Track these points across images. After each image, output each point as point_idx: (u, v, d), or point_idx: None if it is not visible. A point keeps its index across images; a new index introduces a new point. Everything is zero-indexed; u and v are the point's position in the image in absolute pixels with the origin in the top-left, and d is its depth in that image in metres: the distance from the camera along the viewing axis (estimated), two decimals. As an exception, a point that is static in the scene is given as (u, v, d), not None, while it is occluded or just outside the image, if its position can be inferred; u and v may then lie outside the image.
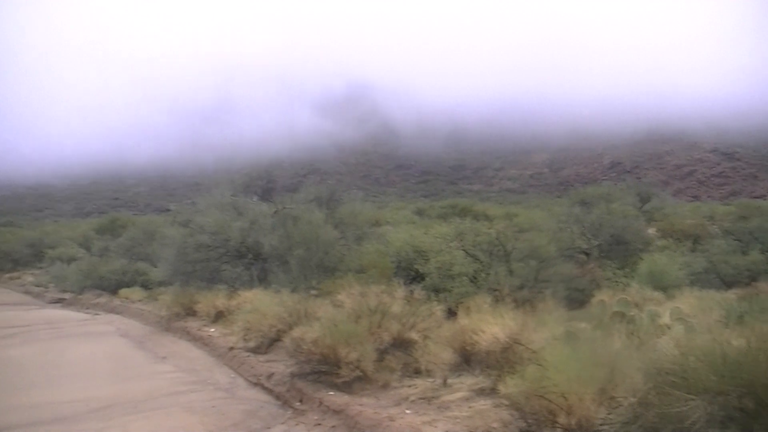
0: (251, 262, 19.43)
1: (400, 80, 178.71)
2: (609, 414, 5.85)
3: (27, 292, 37.46)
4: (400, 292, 11.68)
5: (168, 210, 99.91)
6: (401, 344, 9.80)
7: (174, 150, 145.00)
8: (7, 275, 44.30)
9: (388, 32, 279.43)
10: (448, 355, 8.73)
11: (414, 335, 9.85)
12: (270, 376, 11.20)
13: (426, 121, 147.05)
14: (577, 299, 14.85)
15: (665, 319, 8.26)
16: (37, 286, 38.05)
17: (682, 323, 7.50)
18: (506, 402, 6.71)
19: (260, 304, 13.79)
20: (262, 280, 18.76)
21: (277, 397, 10.39)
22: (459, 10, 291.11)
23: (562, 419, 5.83)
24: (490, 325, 8.23)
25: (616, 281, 16.74)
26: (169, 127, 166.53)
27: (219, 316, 17.25)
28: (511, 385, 6.48)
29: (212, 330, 16.54)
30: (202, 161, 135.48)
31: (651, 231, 29.15)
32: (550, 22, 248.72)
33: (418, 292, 12.27)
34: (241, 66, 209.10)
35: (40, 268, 42.76)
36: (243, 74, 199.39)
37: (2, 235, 58.21)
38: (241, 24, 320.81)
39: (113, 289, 28.96)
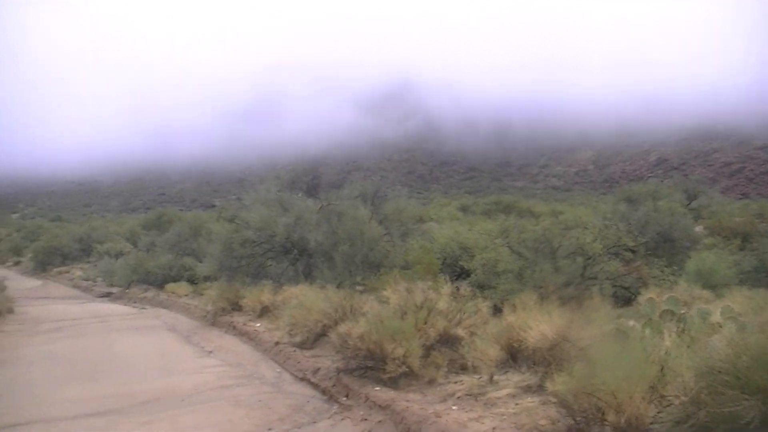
0: (296, 258, 19.52)
1: (443, 77, 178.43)
2: (659, 413, 5.80)
3: (75, 286, 38.01)
4: (446, 288, 11.65)
5: (213, 206, 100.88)
6: (447, 340, 9.79)
7: (217, 147, 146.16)
8: (57, 269, 44.97)
9: (430, 29, 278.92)
10: (494, 352, 8.69)
11: (460, 332, 9.84)
12: (316, 371, 11.24)
13: (469, 118, 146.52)
14: (623, 297, 14.73)
15: (716, 317, 8.14)
16: (86, 280, 38.58)
17: (734, 322, 7.39)
18: (554, 399, 6.66)
19: (306, 299, 13.84)
20: (308, 275, 18.83)
21: (323, 392, 10.42)
22: (502, 6, 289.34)
23: (611, 417, 5.79)
24: (538, 323, 8.18)
25: (663, 279, 16.55)
26: (212, 124, 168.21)
27: (265, 312, 17.35)
28: (558, 383, 6.43)
29: (258, 325, 16.65)
30: (244, 158, 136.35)
31: (698, 229, 28.79)
32: (596, 18, 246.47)
33: (465, 288, 12.23)
34: (283, 64, 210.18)
35: (88, 262, 43.34)
36: (286, 72, 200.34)
37: (51, 231, 59.15)
38: (283, 22, 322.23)
39: (160, 284, 29.24)
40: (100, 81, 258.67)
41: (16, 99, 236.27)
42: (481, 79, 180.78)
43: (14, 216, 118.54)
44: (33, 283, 41.21)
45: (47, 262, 47.08)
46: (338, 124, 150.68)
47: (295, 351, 12.93)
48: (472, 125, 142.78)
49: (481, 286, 14.01)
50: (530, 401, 7.52)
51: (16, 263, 55.83)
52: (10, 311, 23.96)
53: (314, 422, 8.96)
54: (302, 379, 11.46)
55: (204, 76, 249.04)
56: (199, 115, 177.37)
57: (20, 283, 39.41)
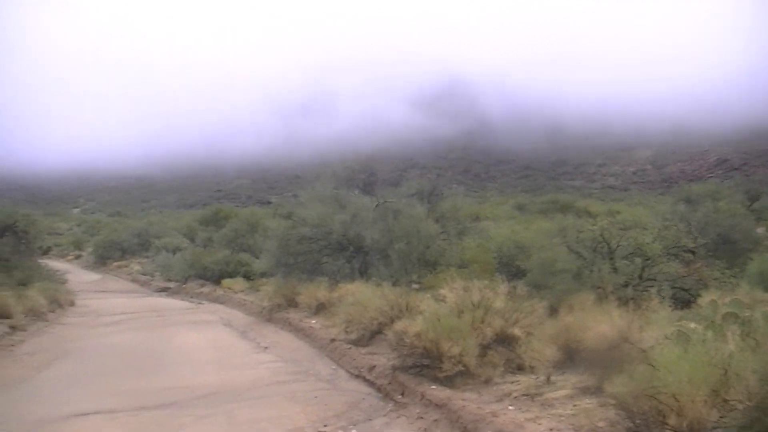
0: (352, 255, 19.55)
1: (495, 74, 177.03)
2: (722, 417, 5.70)
3: (134, 281, 38.63)
4: (503, 287, 11.58)
5: (269, 202, 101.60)
6: (504, 340, 9.74)
7: (272, 144, 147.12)
8: (116, 264, 45.76)
9: (482, 25, 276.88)
10: (551, 352, 8.63)
11: (517, 331, 9.77)
12: (371, 368, 11.26)
13: (521, 116, 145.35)
14: (682, 299, 14.50)
15: (781, 321, 7.98)
16: (144, 274, 39.19)
17: (799, 326, 7.25)
18: (612, 401, 6.59)
19: (362, 296, 13.87)
20: (363, 273, 18.86)
21: (379, 389, 10.44)
22: (555, 4, 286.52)
23: (672, 420, 5.70)
24: (597, 323, 8.09)
25: (724, 281, 16.25)
26: (267, 122, 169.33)
27: (320, 308, 17.43)
28: (618, 384, 6.35)
29: (313, 321, 16.73)
30: (299, 155, 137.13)
31: (761, 231, 28.24)
32: (648, 16, 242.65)
33: (522, 287, 12.14)
34: (337, 62, 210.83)
35: (146, 257, 44.02)
36: (339, 70, 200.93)
37: (111, 225, 60.09)
38: (338, 18, 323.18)
39: (216, 279, 29.57)
40: (160, 81, 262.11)
41: (77, 96, 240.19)
42: (532, 77, 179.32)
43: (75, 210, 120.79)
44: (93, 276, 42.00)
45: (107, 256, 47.95)
46: (391, 122, 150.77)
47: (350, 348, 12.97)
48: (524, 123, 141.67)
49: (538, 286, 13.89)
50: (588, 403, 7.44)
51: (77, 257, 56.86)
52: (72, 304, 24.45)
53: (370, 419, 8.97)
54: (357, 377, 11.49)
55: (259, 75, 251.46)
56: (254, 113, 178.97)
57: (81, 276, 40.18)
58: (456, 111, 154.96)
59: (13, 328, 17.46)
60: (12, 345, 15.90)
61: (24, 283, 23.01)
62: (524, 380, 8.55)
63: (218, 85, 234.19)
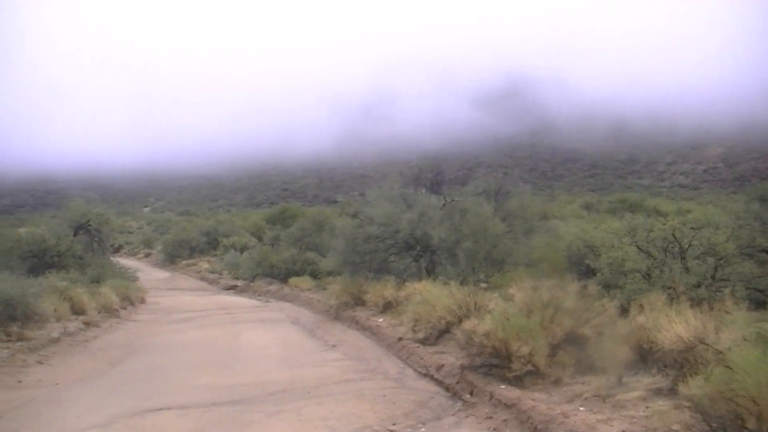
0: (419, 254, 19.53)
1: (559, 72, 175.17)
2: (804, 421, 5.55)
3: (202, 279, 39.14)
4: (573, 287, 11.44)
5: (335, 201, 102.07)
6: (574, 340, 9.61)
7: (336, 144, 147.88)
8: (184, 262, 46.41)
9: (545, 24, 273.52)
10: (623, 353, 8.49)
11: (587, 331, 9.64)
12: (439, 367, 11.23)
13: (587, 114, 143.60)
14: (757, 300, 14.17)
15: None
16: (212, 272, 39.69)
17: None
18: (687, 404, 6.47)
19: (429, 295, 13.84)
20: (430, 272, 18.84)
21: (447, 388, 10.40)
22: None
23: (751, 424, 5.56)
24: (673, 324, 7.95)
25: (802, 282, 15.85)
26: (331, 121, 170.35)
27: (387, 307, 17.44)
28: (693, 387, 6.24)
29: (380, 320, 16.74)
30: (362, 155, 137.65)
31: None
32: (714, 10, 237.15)
33: (592, 287, 11.99)
34: (400, 61, 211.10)
35: (215, 255, 44.59)
36: (402, 69, 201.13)
37: (180, 224, 60.97)
38: (400, 18, 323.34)
39: (283, 278, 29.80)
40: (227, 83, 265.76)
41: (146, 97, 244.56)
42: (597, 74, 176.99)
43: (145, 209, 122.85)
44: (162, 274, 42.66)
45: (176, 254, 48.63)
46: (454, 121, 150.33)
47: (418, 347, 12.94)
48: (589, 121, 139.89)
49: (607, 286, 13.71)
50: (661, 405, 7.31)
51: (147, 255, 57.80)
52: (143, 301, 24.89)
53: (438, 418, 8.94)
54: (425, 375, 11.46)
55: (321, 75, 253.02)
56: (319, 112, 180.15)
57: (151, 274, 40.84)
58: (518, 109, 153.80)
59: (87, 324, 17.83)
60: (86, 340, 16.25)
61: (97, 281, 23.49)
62: (595, 381, 8.42)
63: (283, 86, 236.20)
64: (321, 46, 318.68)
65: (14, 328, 14.48)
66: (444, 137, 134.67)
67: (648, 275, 13.51)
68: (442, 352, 12.04)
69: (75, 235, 29.09)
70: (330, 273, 25.07)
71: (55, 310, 17.08)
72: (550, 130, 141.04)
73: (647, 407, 7.34)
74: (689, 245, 14.28)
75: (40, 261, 24.42)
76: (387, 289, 17.86)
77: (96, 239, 31.23)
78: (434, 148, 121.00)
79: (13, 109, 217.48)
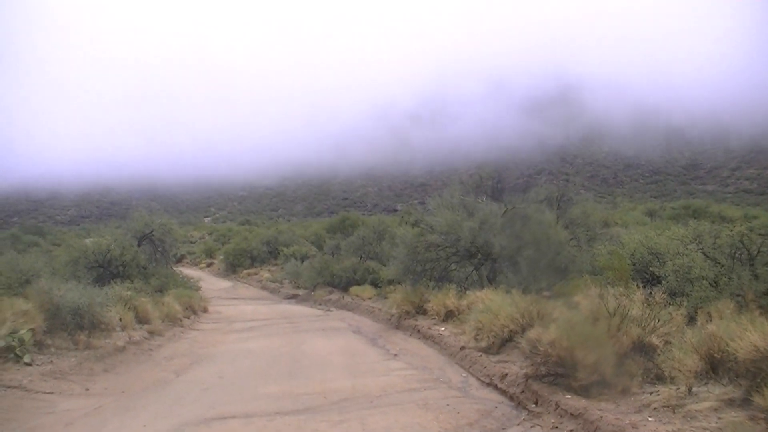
0: (481, 262, 19.43)
1: (610, 78, 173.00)
2: None
3: (263, 288, 39.42)
4: (639, 294, 11.27)
5: (395, 210, 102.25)
6: (641, 349, 9.43)
7: (386, 152, 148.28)
8: (246, 271, 46.76)
9: (596, 30, 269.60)
10: (692, 362, 8.31)
11: (654, 340, 9.47)
12: (503, 376, 11.12)
13: (643, 120, 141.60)
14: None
15: None
16: (273, 281, 39.95)
17: None
18: (763, 415, 6.30)
19: (492, 304, 13.73)
20: (492, 280, 18.72)
21: (511, 398, 10.29)
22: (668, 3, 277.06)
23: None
24: (747, 332, 7.75)
25: None
26: (380, 130, 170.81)
27: (449, 316, 17.36)
28: (769, 397, 6.07)
29: (442, 329, 16.66)
30: (413, 163, 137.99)
31: None
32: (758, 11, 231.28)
33: (659, 295, 11.78)
34: (450, 69, 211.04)
35: (276, 264, 44.89)
36: (453, 77, 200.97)
37: (241, 234, 61.54)
38: (448, 26, 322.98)
39: (344, 287, 29.85)
40: (285, 95, 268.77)
41: (205, 109, 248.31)
42: (650, 79, 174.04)
43: (207, 219, 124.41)
44: (224, 284, 43.04)
45: (237, 264, 49.03)
46: (507, 127, 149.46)
47: (481, 356, 12.85)
48: (645, 127, 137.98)
49: (673, 293, 13.48)
50: (734, 416, 7.12)
51: (209, 265, 58.37)
52: (205, 310, 25.12)
53: (503, 428, 8.86)
54: (489, 385, 11.37)
55: (373, 85, 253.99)
56: (370, 122, 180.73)
57: (213, 284, 41.23)
58: (570, 115, 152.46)
59: (152, 333, 18.05)
60: (151, 349, 16.43)
61: (160, 290, 23.81)
62: (664, 391, 8.24)
63: (337, 97, 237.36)
64: (372, 53, 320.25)
65: (82, 337, 14.70)
66: (495, 145, 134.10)
67: (716, 283, 13.26)
68: (506, 361, 11.94)
69: (139, 245, 29.52)
70: (391, 282, 25.07)
71: (121, 319, 17.31)
72: (603, 136, 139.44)
73: (719, 418, 7.17)
74: (758, 251, 14.00)
75: (105, 271, 24.80)
76: (448, 298, 17.78)
77: (159, 249, 31.66)
78: (486, 156, 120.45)
79: (74, 121, 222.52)
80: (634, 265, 15.72)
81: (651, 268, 15.24)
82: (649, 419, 7.57)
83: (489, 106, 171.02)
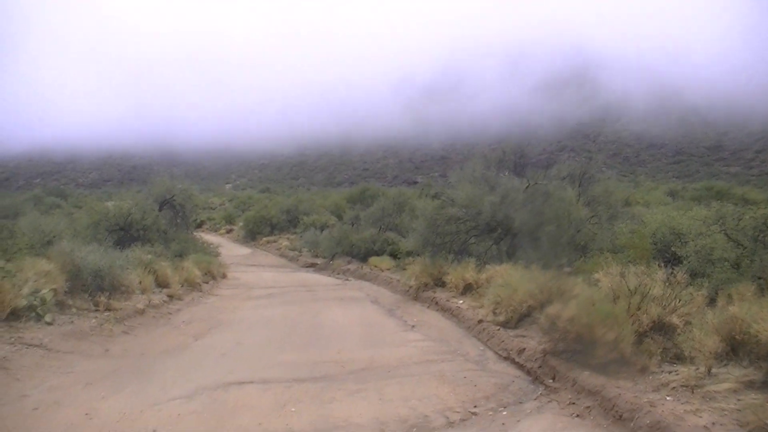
0: (500, 237, 19.38)
1: (630, 57, 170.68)
2: None
3: (282, 256, 39.55)
4: (660, 274, 11.20)
5: (415, 182, 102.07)
6: (661, 328, 9.39)
7: (402, 125, 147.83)
8: (265, 239, 46.92)
9: (616, 8, 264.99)
10: (713, 343, 8.25)
11: (675, 319, 9.42)
12: (521, 351, 11.11)
13: (664, 99, 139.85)
14: None
15: None
16: (292, 250, 40.08)
17: None
18: (784, 397, 6.26)
19: (511, 278, 13.71)
20: (511, 255, 18.67)
21: (528, 372, 10.29)
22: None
23: None
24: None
25: None
26: (395, 103, 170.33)
27: (467, 289, 17.34)
28: (790, 380, 6.03)
29: (461, 302, 16.66)
30: (428, 137, 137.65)
31: None
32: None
33: (681, 275, 11.70)
34: (467, 43, 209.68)
35: (295, 233, 44.95)
36: (468, 51, 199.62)
37: (261, 202, 61.68)
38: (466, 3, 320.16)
39: (363, 257, 29.89)
40: (305, 65, 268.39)
41: (229, 79, 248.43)
42: (669, 59, 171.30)
43: (227, 186, 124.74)
44: (243, 250, 43.22)
45: (256, 231, 49.17)
46: (524, 104, 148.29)
47: (498, 330, 12.83)
48: (667, 106, 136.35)
49: (694, 274, 13.39)
50: (754, 398, 7.09)
51: (228, 231, 58.58)
52: (224, 276, 25.25)
53: (520, 402, 8.86)
54: (506, 359, 11.37)
55: (391, 57, 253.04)
56: (387, 95, 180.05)
57: (232, 250, 41.43)
58: (588, 94, 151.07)
59: (171, 297, 18.17)
60: (170, 313, 16.55)
61: (180, 255, 23.91)
62: (683, 371, 8.20)
63: (356, 68, 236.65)
64: (389, 27, 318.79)
65: (102, 298, 14.81)
66: (514, 120, 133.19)
67: (737, 265, 13.17)
68: (523, 336, 11.91)
69: (160, 209, 29.62)
70: (410, 253, 25.07)
71: (140, 283, 17.42)
72: (622, 115, 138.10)
73: (739, 400, 7.13)
74: (782, 234, 13.87)
75: (126, 234, 24.91)
76: (467, 272, 17.75)
77: (180, 214, 31.78)
78: (505, 132, 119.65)
79: (96, 85, 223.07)
80: (655, 244, 15.65)
81: (672, 248, 15.14)
82: (668, 398, 7.54)
83: (506, 83, 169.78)
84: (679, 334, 9.03)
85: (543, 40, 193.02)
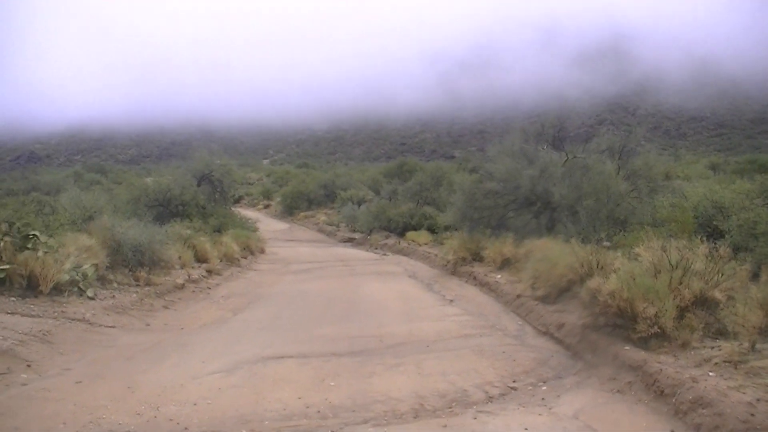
0: (539, 211, 19.24)
1: (664, 29, 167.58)
2: None
3: (320, 231, 39.72)
4: (702, 248, 11.03)
5: (453, 157, 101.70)
6: (703, 303, 9.24)
7: (436, 100, 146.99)
8: (303, 214, 47.11)
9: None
10: (757, 318, 8.11)
11: (717, 294, 9.26)
12: (560, 326, 11.04)
13: (702, 72, 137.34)
14: None
15: None
16: (329, 225, 40.24)
17: None
18: (829, 373, 6.15)
19: (550, 253, 13.60)
20: (550, 229, 18.53)
21: (568, 347, 10.22)
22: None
23: None
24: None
25: None
26: (428, 78, 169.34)
27: (505, 264, 17.29)
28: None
29: (499, 276, 16.61)
30: (465, 110, 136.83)
31: None
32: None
33: (723, 249, 11.52)
34: (500, 16, 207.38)
35: (332, 208, 45.13)
36: (503, 25, 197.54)
37: (299, 177, 61.83)
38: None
39: (400, 232, 29.94)
40: (340, 39, 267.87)
41: (266, 55, 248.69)
42: (708, 31, 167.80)
43: (265, 162, 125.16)
44: (281, 225, 43.46)
45: (294, 206, 49.36)
46: (560, 77, 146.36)
47: (537, 304, 12.78)
48: (703, 78, 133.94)
49: (737, 248, 13.20)
50: (799, 373, 6.98)
51: (266, 206, 58.86)
52: (262, 251, 25.39)
53: (559, 377, 8.80)
54: (545, 333, 11.31)
55: (422, 29, 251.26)
56: (424, 70, 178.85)
57: (270, 225, 41.66)
58: (624, 66, 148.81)
59: (210, 272, 18.32)
60: (209, 288, 16.70)
61: (218, 230, 24.10)
62: (726, 346, 8.07)
63: (385, 42, 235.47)
64: (422, 2, 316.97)
65: (142, 273, 14.97)
66: (551, 94, 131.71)
67: (781, 238, 12.96)
68: (563, 311, 11.83)
69: (198, 185, 29.84)
70: (447, 228, 25.03)
71: (180, 258, 17.58)
72: (660, 87, 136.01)
73: (784, 376, 7.02)
74: (828, 208, 13.63)
75: (165, 210, 25.15)
76: (506, 246, 17.69)
77: (218, 189, 32.00)
78: (543, 105, 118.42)
79: (133, 62, 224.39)
80: (696, 218, 15.44)
81: (714, 222, 14.94)
82: (710, 374, 7.43)
83: (541, 55, 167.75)
84: (721, 309, 8.88)
85: (576, 12, 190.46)
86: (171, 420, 7.00)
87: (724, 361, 7.71)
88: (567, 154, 19.90)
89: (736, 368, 7.48)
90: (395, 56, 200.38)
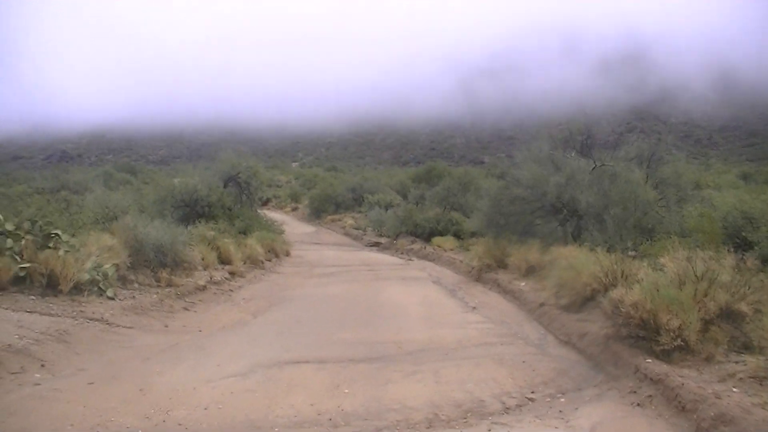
0: (566, 218, 19.04)
1: (690, 38, 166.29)
2: None
3: (346, 234, 39.64)
4: (729, 259, 10.81)
5: (482, 162, 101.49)
6: (729, 316, 9.04)
7: (458, 107, 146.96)
8: (330, 217, 47.09)
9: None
10: (784, 333, 7.91)
11: (744, 307, 9.05)
12: (582, 336, 10.86)
13: (723, 81, 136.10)
14: None
15: None
16: (356, 228, 40.19)
17: None
18: None
19: (575, 261, 13.40)
20: (576, 237, 18.34)
21: (589, 358, 10.03)
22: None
23: None
24: None
25: None
26: (453, 81, 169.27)
27: (530, 271, 17.10)
28: None
29: (523, 284, 16.44)
30: (490, 116, 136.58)
31: None
32: None
33: (752, 261, 11.29)
34: (522, 23, 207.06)
35: (359, 212, 45.09)
36: (525, 31, 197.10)
37: (327, 180, 61.88)
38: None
39: (426, 237, 29.87)
40: (370, 42, 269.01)
41: (293, 58, 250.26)
42: (734, 39, 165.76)
43: (294, 164, 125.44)
44: (308, 228, 43.45)
45: (321, 209, 49.36)
46: (585, 86, 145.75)
47: (560, 313, 12.60)
48: (730, 87, 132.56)
49: (765, 260, 12.95)
50: (826, 391, 6.77)
51: (294, 209, 58.91)
52: (287, 254, 25.37)
53: (579, 389, 8.62)
54: (567, 343, 11.13)
55: (444, 34, 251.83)
56: (449, 76, 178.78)
57: (296, 228, 41.68)
58: (647, 74, 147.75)
59: (233, 274, 18.28)
60: (231, 290, 16.65)
61: (244, 232, 24.08)
62: (751, 361, 7.86)
63: (408, 49, 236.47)
64: (445, 8, 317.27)
65: (164, 274, 14.94)
66: (575, 101, 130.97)
67: (812, 252, 12.72)
68: (586, 320, 11.63)
69: (225, 186, 29.90)
70: (473, 234, 24.91)
71: (203, 259, 17.57)
72: (687, 96, 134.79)
73: (813, 393, 6.82)
74: None
75: (191, 210, 25.19)
76: (531, 253, 17.51)
77: (245, 191, 32.03)
78: (572, 112, 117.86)
79: (166, 63, 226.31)
80: (725, 228, 15.17)
81: (743, 233, 14.67)
82: (734, 390, 7.23)
83: (565, 62, 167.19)
84: (747, 323, 8.67)
85: (598, 20, 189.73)
86: (180, 424, 6.92)
87: (749, 377, 7.52)
88: (595, 162, 19.69)
89: (761, 384, 7.29)
90: (420, 62, 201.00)
